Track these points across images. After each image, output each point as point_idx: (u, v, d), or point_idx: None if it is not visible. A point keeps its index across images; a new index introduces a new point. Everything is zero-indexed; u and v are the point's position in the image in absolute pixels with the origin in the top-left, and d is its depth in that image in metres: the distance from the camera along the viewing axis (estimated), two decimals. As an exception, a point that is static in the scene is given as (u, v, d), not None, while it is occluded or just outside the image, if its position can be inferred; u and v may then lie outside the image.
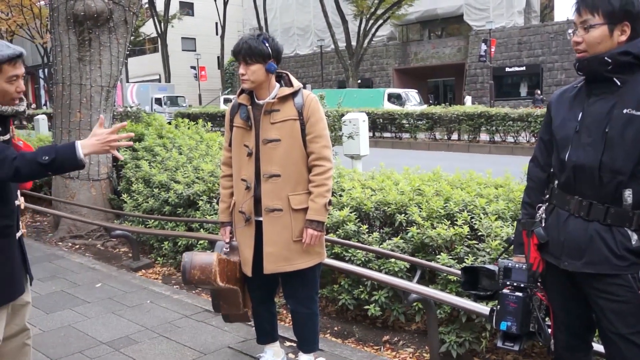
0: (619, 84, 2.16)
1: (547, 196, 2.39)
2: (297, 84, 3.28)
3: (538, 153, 2.48)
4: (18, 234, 2.75)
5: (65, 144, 2.52)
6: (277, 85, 3.28)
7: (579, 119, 2.24)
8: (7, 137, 2.67)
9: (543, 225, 2.35)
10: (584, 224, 2.19)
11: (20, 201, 2.77)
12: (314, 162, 3.16)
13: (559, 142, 2.29)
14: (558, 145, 2.30)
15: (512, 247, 2.59)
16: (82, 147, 2.47)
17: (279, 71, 3.29)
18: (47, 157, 2.43)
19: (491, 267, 2.50)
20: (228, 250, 3.43)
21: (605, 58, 2.13)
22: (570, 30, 2.25)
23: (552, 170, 2.39)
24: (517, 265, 2.38)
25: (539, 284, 2.41)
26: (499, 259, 2.51)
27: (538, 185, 2.46)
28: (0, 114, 2.59)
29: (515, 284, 2.36)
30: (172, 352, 3.92)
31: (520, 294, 2.32)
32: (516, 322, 2.30)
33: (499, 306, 2.35)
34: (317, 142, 3.15)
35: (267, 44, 3.11)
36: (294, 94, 3.22)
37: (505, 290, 2.35)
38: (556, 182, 2.34)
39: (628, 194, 2.10)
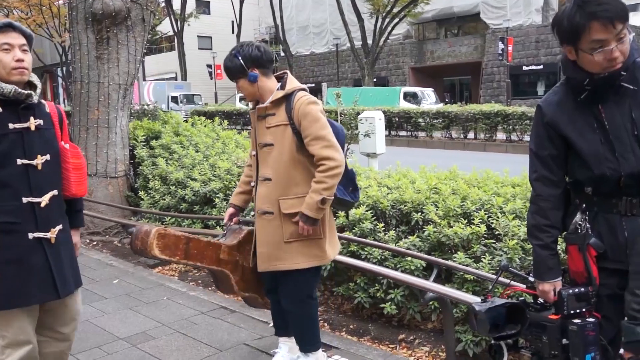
0: (632, 88, 2.13)
1: (583, 205, 2.26)
2: (291, 86, 3.21)
3: (545, 171, 2.30)
4: (35, 235, 2.58)
5: None
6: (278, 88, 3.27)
7: (599, 129, 2.18)
8: (23, 125, 2.58)
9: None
10: (638, 219, 2.14)
11: (43, 200, 2.61)
12: (317, 163, 3.09)
13: (588, 158, 2.18)
14: (587, 161, 2.19)
15: (500, 274, 2.49)
16: None
17: (281, 72, 3.32)
18: None
19: (512, 302, 2.29)
20: (226, 232, 3.57)
21: (622, 72, 2.10)
22: (599, 50, 2.08)
23: (571, 180, 2.31)
24: (577, 291, 2.18)
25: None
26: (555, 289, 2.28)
27: (555, 203, 2.30)
28: (1, 94, 2.51)
29: (578, 310, 2.17)
30: (189, 349, 3.95)
31: (593, 320, 2.14)
32: (599, 351, 2.11)
33: (574, 339, 2.12)
34: (314, 145, 3.07)
35: (239, 58, 3.13)
36: (287, 98, 3.17)
37: (576, 320, 2.14)
38: (589, 189, 2.24)
39: None
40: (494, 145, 17.85)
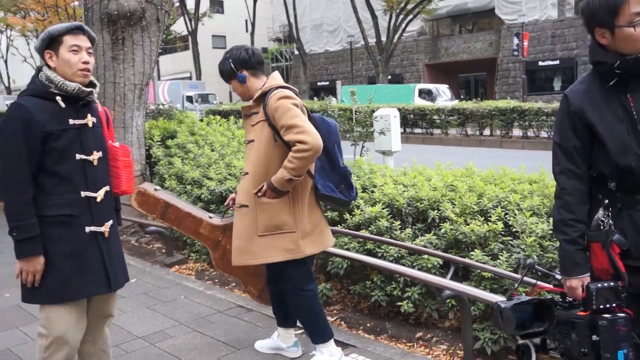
0: None
1: (606, 201, 2.22)
2: (269, 84, 3.37)
3: (569, 164, 2.27)
4: (91, 228, 2.67)
5: (33, 243, 2.55)
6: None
7: (626, 119, 2.14)
8: (82, 121, 2.68)
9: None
10: None
11: (99, 195, 2.71)
12: (293, 146, 3.18)
13: (614, 149, 2.15)
14: (611, 152, 2.16)
15: (526, 272, 2.46)
16: (21, 260, 2.57)
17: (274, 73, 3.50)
18: (15, 232, 2.52)
19: (540, 299, 2.26)
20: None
21: None
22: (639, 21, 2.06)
23: (594, 174, 2.27)
24: (605, 285, 2.13)
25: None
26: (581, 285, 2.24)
27: (580, 197, 2.26)
28: (64, 91, 2.62)
29: (607, 305, 2.11)
30: (206, 347, 3.97)
31: (624, 315, 2.08)
32: (631, 347, 2.05)
33: (605, 335, 2.06)
34: (289, 133, 3.17)
35: (230, 60, 3.42)
36: (265, 95, 3.33)
37: (606, 315, 2.08)
38: (612, 184, 2.20)
39: None
40: (510, 141, 17.71)
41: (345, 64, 41.72)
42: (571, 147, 2.27)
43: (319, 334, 3.50)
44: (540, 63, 33.82)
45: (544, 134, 17.00)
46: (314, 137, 3.13)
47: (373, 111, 8.23)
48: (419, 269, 3.97)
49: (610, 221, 2.20)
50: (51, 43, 2.67)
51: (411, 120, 20.88)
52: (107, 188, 2.77)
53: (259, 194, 3.29)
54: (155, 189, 4.35)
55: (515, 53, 31.20)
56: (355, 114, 7.82)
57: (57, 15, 41.14)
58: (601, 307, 2.11)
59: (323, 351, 3.50)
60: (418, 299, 4.03)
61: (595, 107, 2.21)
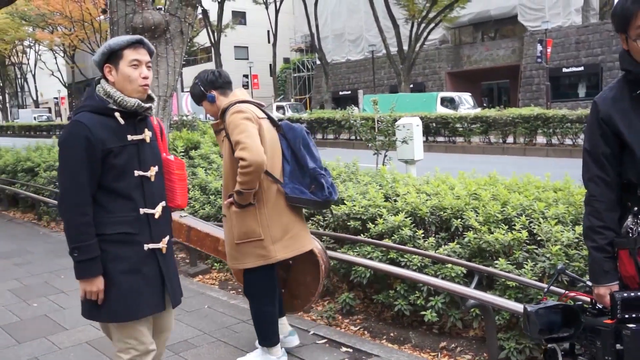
0: None
1: (635, 208, 2.19)
2: (228, 100, 3.57)
3: (599, 171, 2.24)
4: (150, 246, 2.62)
5: (93, 263, 2.50)
6: None
7: None
8: (139, 137, 2.63)
9: None
10: None
11: (157, 211, 2.66)
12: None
13: None
14: (639, 160, 2.13)
15: (557, 277, 2.43)
16: (82, 281, 2.52)
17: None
18: (76, 253, 2.49)
19: (568, 304, 2.24)
20: None
21: None
22: None
23: (624, 182, 2.24)
24: (632, 294, 2.09)
25: None
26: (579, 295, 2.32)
27: (609, 205, 2.23)
28: (123, 107, 2.57)
29: (633, 315, 2.07)
30: (230, 357, 3.98)
31: None
32: None
33: (628, 345, 2.03)
34: (235, 149, 3.37)
35: (199, 83, 3.63)
36: (224, 112, 3.53)
37: (631, 325, 2.04)
38: None
39: None
40: (534, 149, 17.54)
41: (367, 73, 41.75)
42: (600, 154, 2.25)
43: (265, 337, 3.72)
44: (564, 69, 33.47)
45: (568, 141, 16.81)
46: (253, 154, 3.26)
47: (395, 120, 8.23)
48: (442, 278, 3.95)
49: (639, 229, 2.17)
50: (111, 57, 2.60)
51: (434, 129, 20.79)
52: (163, 203, 2.71)
53: (228, 205, 3.54)
54: (181, 216, 4.53)
55: (539, 60, 30.92)
56: (378, 123, 7.82)
57: (83, 29, 41.90)
58: (626, 316, 2.08)
59: (264, 351, 3.75)
60: (442, 308, 4.01)
61: (623, 115, 2.19)
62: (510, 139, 18.70)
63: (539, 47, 30.45)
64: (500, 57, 37.18)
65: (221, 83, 3.65)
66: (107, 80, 2.62)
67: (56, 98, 63.98)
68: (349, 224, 4.77)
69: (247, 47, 52.45)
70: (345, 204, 4.89)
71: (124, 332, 2.63)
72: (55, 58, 55.60)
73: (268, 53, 48.13)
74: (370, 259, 4.40)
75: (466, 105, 28.39)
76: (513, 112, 18.67)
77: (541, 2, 34.32)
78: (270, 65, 48.43)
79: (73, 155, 2.49)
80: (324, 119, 24.74)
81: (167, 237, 2.73)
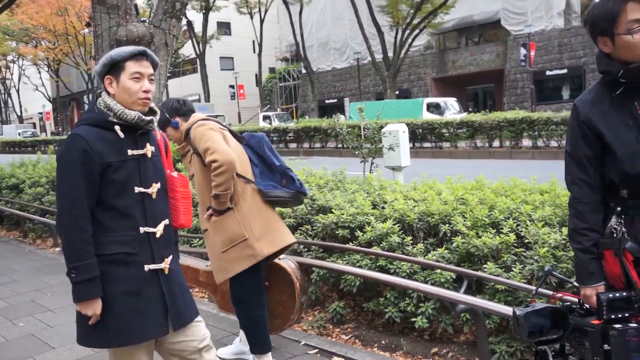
0: None
1: (618, 208, 2.21)
2: (190, 122, 3.73)
3: (582, 173, 2.26)
4: (151, 267, 2.49)
5: (92, 285, 2.38)
6: None
7: (635, 127, 2.14)
8: (141, 152, 2.53)
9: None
10: None
11: (158, 230, 2.53)
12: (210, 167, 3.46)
13: (623, 156, 2.14)
14: (621, 159, 2.15)
15: (544, 279, 2.42)
16: (79, 304, 2.40)
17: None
18: (74, 272, 2.37)
19: (555, 306, 2.24)
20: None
21: None
22: (637, 28, 2.07)
23: (607, 183, 2.26)
24: (617, 295, 2.10)
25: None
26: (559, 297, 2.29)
27: (593, 206, 2.25)
28: (123, 120, 2.48)
29: (619, 315, 2.08)
30: (221, 369, 3.95)
31: (636, 325, 2.04)
32: None
33: (615, 345, 2.04)
34: (205, 156, 3.48)
35: (165, 110, 3.77)
36: (188, 132, 3.69)
37: (617, 325, 2.05)
38: (624, 191, 2.20)
39: None
40: (520, 152, 17.67)
41: (353, 81, 41.89)
42: (582, 156, 2.26)
43: (257, 343, 3.72)
44: (548, 72, 33.78)
45: (553, 144, 16.95)
46: (223, 154, 3.41)
47: (381, 127, 8.25)
48: (432, 284, 3.95)
49: (624, 229, 2.18)
50: (112, 68, 2.51)
51: (420, 135, 20.89)
52: (166, 222, 2.58)
53: (208, 217, 3.63)
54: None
55: (523, 63, 31.18)
56: (364, 130, 7.83)
57: (67, 43, 41.78)
58: (612, 317, 2.09)
59: (256, 358, 3.74)
60: (432, 314, 4.01)
61: (603, 116, 2.21)
62: (496, 143, 18.83)
63: (523, 51, 30.71)
64: (484, 62, 37.46)
65: (185, 111, 3.80)
66: (107, 92, 2.54)
67: (41, 113, 63.63)
68: (337, 232, 4.77)
69: (232, 58, 52.48)
70: (333, 213, 4.88)
71: (121, 357, 2.53)
72: (40, 72, 55.32)
73: (253, 63, 48.19)
74: (360, 267, 4.40)
75: (452, 110, 28.55)
76: (498, 116, 18.82)
77: (524, 6, 34.65)
78: (256, 75, 48.48)
79: (71, 169, 2.40)
80: (310, 127, 24.77)
81: (171, 257, 2.59)
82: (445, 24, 36.62)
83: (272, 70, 53.71)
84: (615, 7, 2.09)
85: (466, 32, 40.30)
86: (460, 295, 3.66)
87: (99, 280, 2.39)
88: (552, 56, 33.53)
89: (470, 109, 34.01)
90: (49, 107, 60.22)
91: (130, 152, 2.49)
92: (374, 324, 4.58)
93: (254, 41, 49.19)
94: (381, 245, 4.40)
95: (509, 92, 34.75)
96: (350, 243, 4.64)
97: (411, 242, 4.31)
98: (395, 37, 33.94)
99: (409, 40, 33.72)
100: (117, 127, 2.48)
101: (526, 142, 17.96)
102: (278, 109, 47.60)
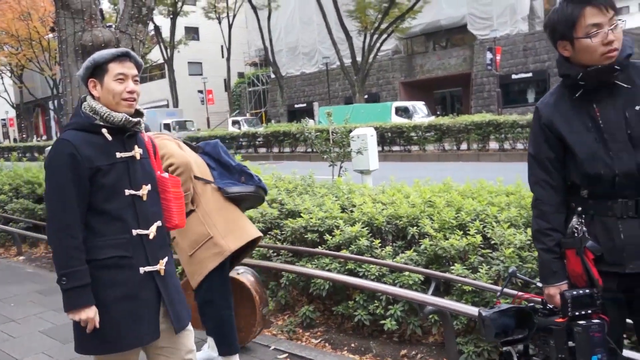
0: (626, 86, 2.17)
1: (579, 208, 2.26)
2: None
3: (544, 175, 2.32)
4: (146, 269, 2.48)
5: (83, 292, 2.35)
6: None
7: (594, 128, 2.20)
8: (129, 154, 2.51)
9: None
10: (634, 221, 2.16)
11: (151, 231, 2.52)
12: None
13: (583, 157, 2.20)
14: (582, 161, 2.21)
15: (508, 280, 2.47)
16: (70, 312, 2.37)
17: None
18: (64, 279, 2.34)
19: (520, 306, 2.30)
20: None
21: (616, 67, 2.14)
22: (596, 32, 2.12)
23: (569, 184, 2.31)
24: (581, 292, 2.16)
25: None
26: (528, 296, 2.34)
27: (556, 207, 2.31)
28: (110, 122, 2.46)
29: (583, 312, 2.14)
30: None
31: (598, 321, 2.11)
32: (606, 353, 2.07)
33: (580, 341, 2.10)
34: (163, 161, 3.43)
35: None
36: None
37: (581, 322, 2.12)
38: (584, 192, 2.26)
39: None
40: (488, 154, 17.91)
41: (322, 85, 41.96)
42: (545, 158, 2.32)
43: (225, 343, 3.73)
44: (514, 76, 34.33)
45: (520, 146, 17.22)
46: (178, 157, 3.46)
47: (350, 131, 8.28)
48: (400, 286, 3.98)
49: (584, 228, 2.23)
50: (95, 71, 2.50)
51: (389, 138, 21.02)
52: (158, 223, 2.57)
53: None
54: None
55: (489, 67, 31.66)
56: (332, 134, 7.85)
57: (31, 48, 41.01)
58: (577, 314, 2.14)
59: None
60: (401, 316, 4.03)
61: (564, 118, 2.27)
62: (464, 146, 19.05)
63: (489, 55, 31.19)
64: (452, 66, 37.90)
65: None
66: (92, 96, 2.52)
67: (4, 119, 62.32)
68: (306, 236, 4.77)
69: (200, 63, 52.13)
70: (302, 217, 4.88)
71: None
72: (2, 78, 54.17)
73: (222, 68, 47.97)
74: (329, 270, 4.40)
75: (420, 114, 28.81)
76: (466, 119, 19.05)
77: (489, 11, 35.18)
78: (225, 80, 48.25)
79: (59, 175, 2.38)
80: (280, 132, 24.75)
81: (166, 259, 2.58)
82: (412, 29, 36.95)
83: (241, 75, 53.52)
84: (574, 12, 2.15)
85: (434, 37, 40.73)
86: (428, 297, 3.70)
87: (90, 287, 2.36)
88: (518, 60, 34.10)
89: (438, 113, 34.35)
90: (12, 113, 58.98)
91: (118, 154, 2.48)
92: (343, 327, 4.59)
93: (222, 46, 48.99)
94: (350, 248, 4.42)
95: (476, 96, 35.22)
96: (320, 247, 4.65)
97: (380, 245, 4.34)
98: (364, 42, 34.13)
99: (377, 44, 33.94)
100: (104, 130, 2.47)
101: (493, 145, 18.21)
102: (247, 114, 47.43)
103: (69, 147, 2.38)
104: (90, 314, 2.36)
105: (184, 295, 2.72)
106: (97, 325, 2.38)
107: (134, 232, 2.47)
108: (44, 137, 51.72)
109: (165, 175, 2.71)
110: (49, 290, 6.26)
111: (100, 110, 2.46)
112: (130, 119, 2.50)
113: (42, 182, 8.90)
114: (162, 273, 2.54)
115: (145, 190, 2.53)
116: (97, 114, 2.47)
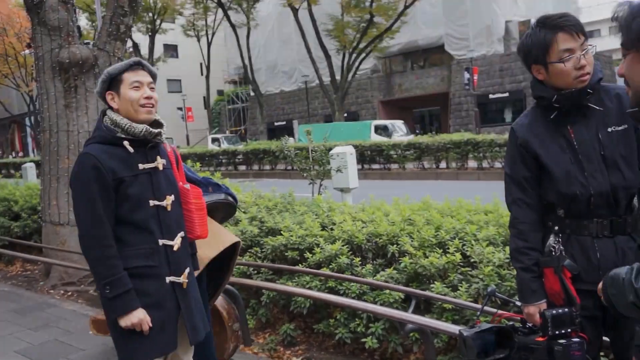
0: (598, 109, 2.23)
1: (556, 227, 2.31)
2: None
3: (520, 194, 2.36)
4: (171, 279, 2.52)
5: (128, 296, 2.40)
6: None
7: (569, 149, 2.25)
8: (152, 165, 2.54)
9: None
10: (609, 241, 2.20)
11: (175, 242, 2.55)
12: None
13: (558, 177, 2.25)
14: (557, 180, 2.26)
15: (487, 299, 2.48)
16: (121, 317, 2.41)
17: None
18: (108, 288, 2.37)
19: (500, 325, 2.33)
20: None
21: (589, 90, 2.21)
22: (569, 57, 2.20)
23: (545, 203, 2.35)
24: (560, 311, 2.18)
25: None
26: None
27: (532, 226, 2.34)
28: (131, 134, 2.49)
29: (563, 331, 2.16)
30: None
31: (578, 339, 2.13)
32: None
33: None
34: None
35: None
36: None
37: (561, 341, 2.13)
38: (561, 211, 2.30)
39: (636, 200, 2.18)
40: (466, 173, 18.08)
41: (302, 104, 42.14)
42: (521, 178, 2.36)
43: None
44: (491, 96, 34.84)
45: (498, 165, 17.42)
46: None
47: (330, 149, 8.32)
48: (381, 304, 3.98)
49: (561, 247, 2.28)
50: (112, 83, 2.55)
51: (368, 157, 21.13)
52: (182, 234, 2.61)
53: None
54: None
55: (467, 87, 32.11)
56: (312, 152, 7.88)
57: (7, 64, 40.59)
58: (557, 332, 2.16)
59: None
60: (382, 334, 4.03)
61: (539, 139, 2.32)
62: (443, 164, 19.23)
63: (466, 75, 31.65)
64: (430, 85, 38.35)
65: None
66: (112, 108, 2.56)
67: (-21, 136, 61.43)
68: (286, 254, 4.76)
69: (180, 80, 52.03)
70: (282, 235, 4.87)
71: None
72: (-22, 94, 53.51)
73: (201, 85, 47.93)
74: (310, 288, 4.39)
75: (399, 132, 29.06)
76: (445, 138, 19.25)
77: (465, 32, 35.74)
78: (204, 97, 48.20)
79: (86, 188, 2.42)
80: (259, 150, 24.74)
81: (188, 270, 2.61)
82: (391, 48, 37.38)
83: (220, 92, 53.51)
84: (547, 37, 2.22)
85: (412, 56, 41.21)
86: (408, 315, 3.70)
87: (134, 291, 2.41)
88: (494, 80, 34.62)
89: (417, 131, 34.68)
90: (-13, 129, 58.24)
91: (141, 166, 2.52)
92: (324, 345, 4.57)
93: (201, 64, 48.96)
94: (330, 266, 4.42)
95: (454, 115, 35.62)
96: (300, 265, 4.64)
97: (360, 263, 4.34)
98: (343, 61, 34.40)
99: (356, 63, 34.25)
100: (125, 143, 2.50)
101: (472, 164, 18.40)
102: (227, 131, 47.37)
103: (92, 160, 2.43)
104: (141, 315, 2.40)
105: (202, 306, 2.75)
106: (150, 324, 2.42)
107: (160, 242, 2.51)
108: (21, 154, 51.01)
109: (187, 186, 2.74)
110: (24, 309, 6.15)
111: (121, 122, 2.50)
112: (151, 130, 2.54)
113: (18, 200, 8.79)
114: (185, 286, 2.57)
115: (169, 200, 2.57)
116: (118, 126, 2.51)
